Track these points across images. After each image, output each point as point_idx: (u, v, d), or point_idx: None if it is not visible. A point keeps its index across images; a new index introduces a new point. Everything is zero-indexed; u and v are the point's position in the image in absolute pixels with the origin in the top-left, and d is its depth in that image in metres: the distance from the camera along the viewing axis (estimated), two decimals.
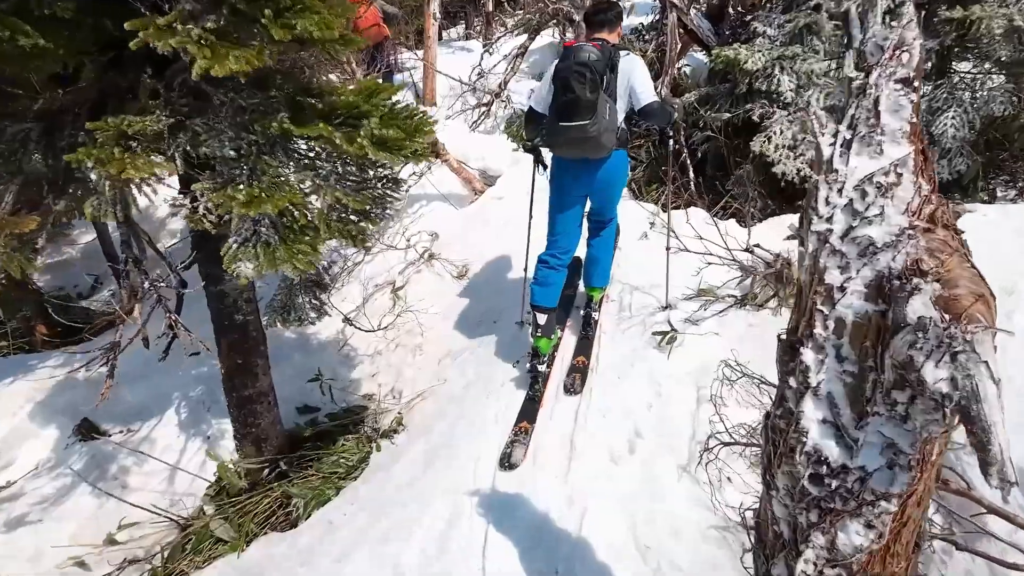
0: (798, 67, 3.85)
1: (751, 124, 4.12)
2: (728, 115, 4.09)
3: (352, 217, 2.20)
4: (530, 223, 3.43)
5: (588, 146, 2.54)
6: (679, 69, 5.30)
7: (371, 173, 2.30)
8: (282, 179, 1.73)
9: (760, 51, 3.89)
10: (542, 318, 2.86)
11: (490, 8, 12.88)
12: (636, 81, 2.60)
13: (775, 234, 3.73)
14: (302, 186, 1.81)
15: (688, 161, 4.64)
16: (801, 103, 3.86)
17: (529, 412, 2.77)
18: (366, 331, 3.95)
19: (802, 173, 3.78)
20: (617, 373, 2.84)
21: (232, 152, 1.69)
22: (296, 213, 1.81)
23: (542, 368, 2.91)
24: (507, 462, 2.50)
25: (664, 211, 4.28)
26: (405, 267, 4.72)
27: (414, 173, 5.20)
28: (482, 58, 7.87)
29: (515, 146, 6.06)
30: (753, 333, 2.91)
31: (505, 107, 7.01)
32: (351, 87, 2.05)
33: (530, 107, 2.82)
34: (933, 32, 3.39)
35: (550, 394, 2.89)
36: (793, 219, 3.83)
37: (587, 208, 3.09)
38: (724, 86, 4.46)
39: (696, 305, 3.18)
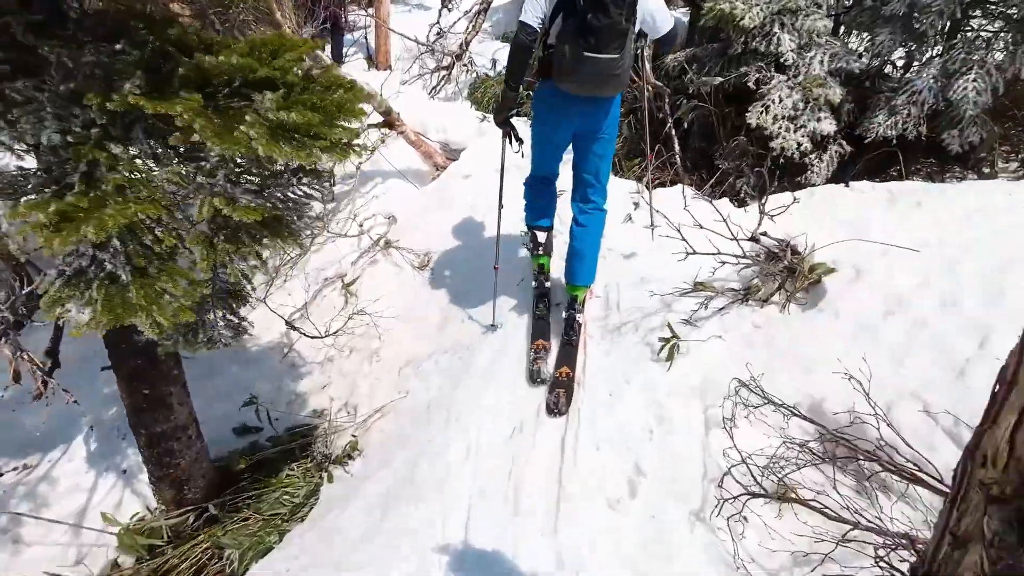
0: (800, 24, 3.39)
1: (745, 90, 3.66)
2: (720, 80, 3.61)
3: (249, 232, 1.60)
4: (500, 212, 2.98)
5: (612, 84, 2.24)
6: None
7: (281, 164, 1.72)
8: (142, 177, 1.17)
9: (758, 5, 3.39)
10: (542, 236, 2.84)
11: None
12: (656, 5, 2.26)
13: (774, 215, 3.34)
14: (174, 187, 1.25)
15: (673, 132, 4.16)
16: (803, 66, 3.42)
17: (543, 329, 2.81)
18: (312, 337, 3.40)
19: (803, 147, 3.37)
20: (609, 389, 2.42)
21: (57, 138, 1.11)
22: (159, 232, 1.25)
23: (548, 284, 2.95)
24: (537, 378, 2.60)
25: (648, 189, 3.84)
26: (358, 257, 4.14)
27: (364, 147, 4.55)
28: (440, 15, 7.09)
29: (480, 115, 5.45)
30: (761, 336, 2.52)
31: (467, 71, 6.33)
32: (242, 44, 1.45)
33: (523, 23, 2.22)
34: None
35: (529, 417, 2.45)
36: (789, 197, 3.44)
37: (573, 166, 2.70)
38: (713, 46, 3.97)
39: (694, 303, 2.77)
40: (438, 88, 6.28)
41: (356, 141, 1.80)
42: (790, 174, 3.63)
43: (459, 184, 4.62)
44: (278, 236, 1.70)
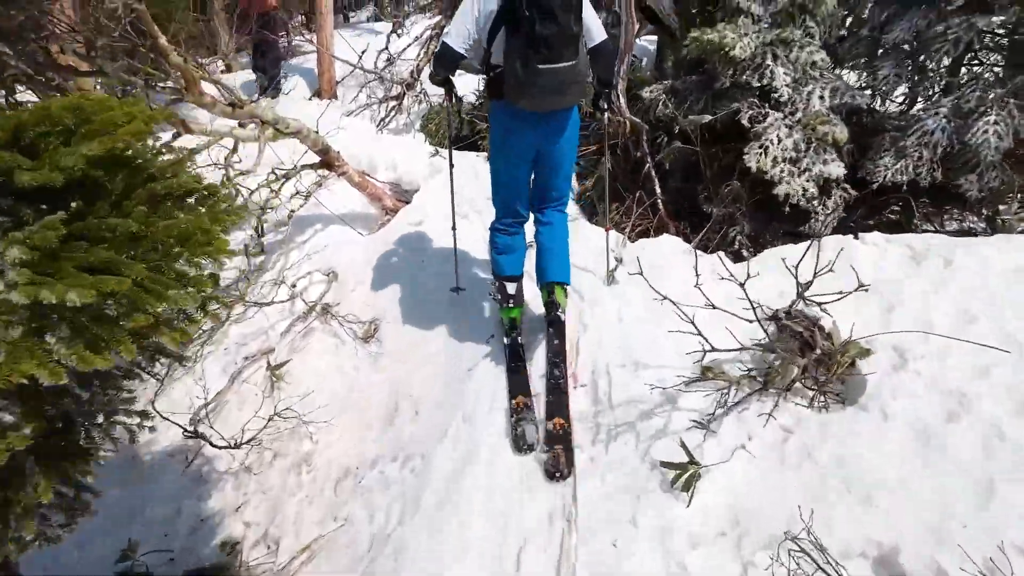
0: (794, 56, 2.99)
1: (733, 127, 3.23)
2: (709, 118, 3.16)
3: None
4: (454, 223, 2.93)
5: (573, 92, 2.14)
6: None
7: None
8: None
9: (748, 35, 2.98)
10: (512, 287, 2.56)
11: None
12: (589, 14, 2.17)
13: (776, 273, 2.88)
14: None
15: (653, 173, 3.69)
16: (800, 101, 3.01)
17: (521, 385, 2.49)
18: (221, 448, 2.65)
19: (809, 193, 2.93)
20: (612, 535, 1.81)
21: None
22: None
23: (521, 340, 2.66)
24: (523, 444, 2.24)
25: (631, 240, 3.33)
26: (290, 325, 3.43)
27: (298, 193, 3.88)
28: (388, 41, 6.54)
29: (434, 149, 4.86)
30: (796, 446, 1.99)
31: (420, 101, 5.76)
32: None
33: (444, 44, 2.16)
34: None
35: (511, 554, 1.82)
36: (797, 251, 2.99)
37: (532, 179, 2.54)
38: (693, 79, 3.54)
39: (704, 398, 2.22)
40: (387, 120, 5.68)
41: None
42: (790, 221, 3.19)
43: (411, 231, 4.00)
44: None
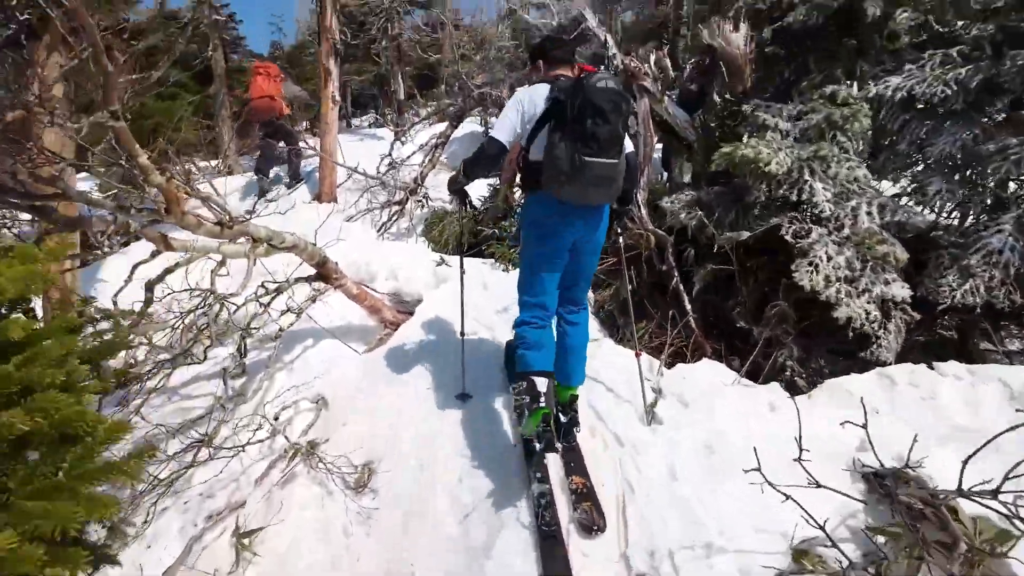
0: (833, 171, 2.80)
1: (768, 240, 2.98)
2: (747, 234, 2.90)
3: None
4: (463, 326, 2.92)
5: (613, 188, 2.23)
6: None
7: None
8: None
9: (783, 150, 2.81)
10: (543, 384, 2.33)
11: (401, 96, 12.04)
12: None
13: (845, 407, 2.46)
14: None
15: (681, 288, 3.38)
16: (845, 217, 2.77)
17: (558, 561, 2.05)
18: None
19: (872, 316, 2.60)
20: None
21: None
22: None
23: (559, 445, 2.43)
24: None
25: (667, 367, 2.93)
26: (265, 471, 2.87)
27: (289, 310, 3.50)
28: (393, 147, 6.57)
29: (438, 258, 4.58)
30: None
31: (422, 206, 5.63)
32: None
33: (493, 139, 2.22)
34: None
35: None
36: (864, 383, 2.58)
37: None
38: (716, 189, 3.35)
39: None
40: (389, 224, 5.50)
41: None
42: (842, 342, 2.83)
43: (412, 349, 3.58)
44: None
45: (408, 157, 6.45)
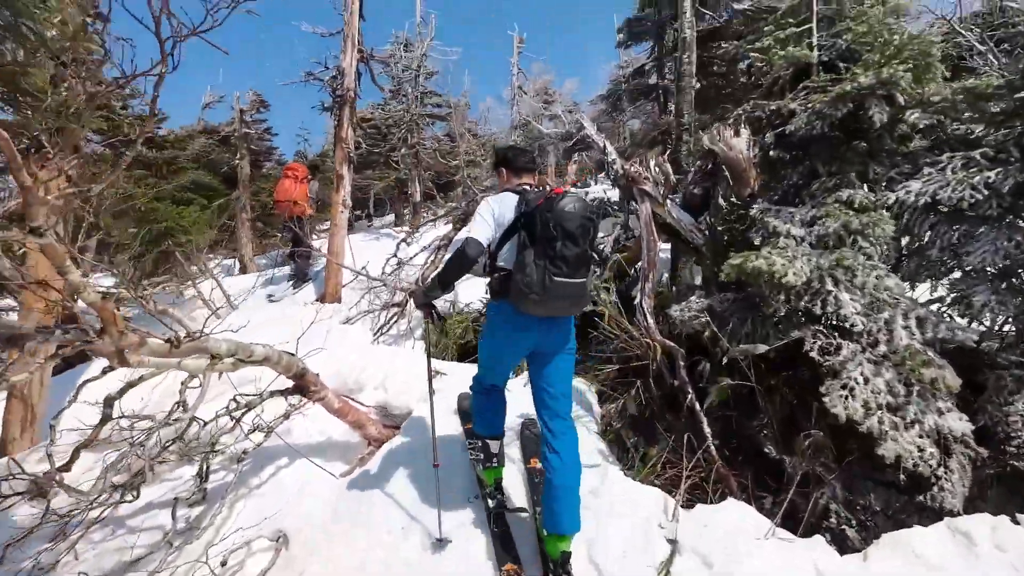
0: (860, 281, 2.50)
1: (788, 351, 2.62)
2: (765, 348, 2.56)
3: None
4: (431, 393, 2.80)
5: (580, 304, 2.27)
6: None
7: None
8: None
9: (800, 258, 2.55)
10: (495, 445, 2.61)
11: (417, 199, 12.51)
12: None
13: (911, 567, 1.94)
14: None
15: (698, 407, 2.98)
16: (880, 332, 2.42)
17: (509, 550, 2.34)
18: None
19: (927, 454, 2.15)
20: None
21: None
22: None
23: (506, 500, 2.58)
24: None
25: (684, 506, 2.45)
26: None
27: (257, 428, 3.17)
28: (398, 247, 6.57)
29: (436, 368, 4.28)
30: None
31: (441, 321, 5.43)
32: None
33: (472, 239, 2.22)
34: None
35: None
36: (932, 540, 2.08)
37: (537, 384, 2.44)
38: (734, 298, 3.06)
39: None
40: (387, 327, 5.28)
41: None
42: (901, 489, 2.34)
43: (395, 472, 3.16)
44: None
45: (413, 257, 6.41)
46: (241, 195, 9.48)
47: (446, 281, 2.39)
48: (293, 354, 3.25)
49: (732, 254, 2.79)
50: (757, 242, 2.98)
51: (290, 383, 3.32)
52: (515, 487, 2.80)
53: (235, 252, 9.91)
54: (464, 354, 4.90)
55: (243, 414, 3.22)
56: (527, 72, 18.66)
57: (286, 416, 3.27)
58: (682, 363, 3.06)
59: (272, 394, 3.29)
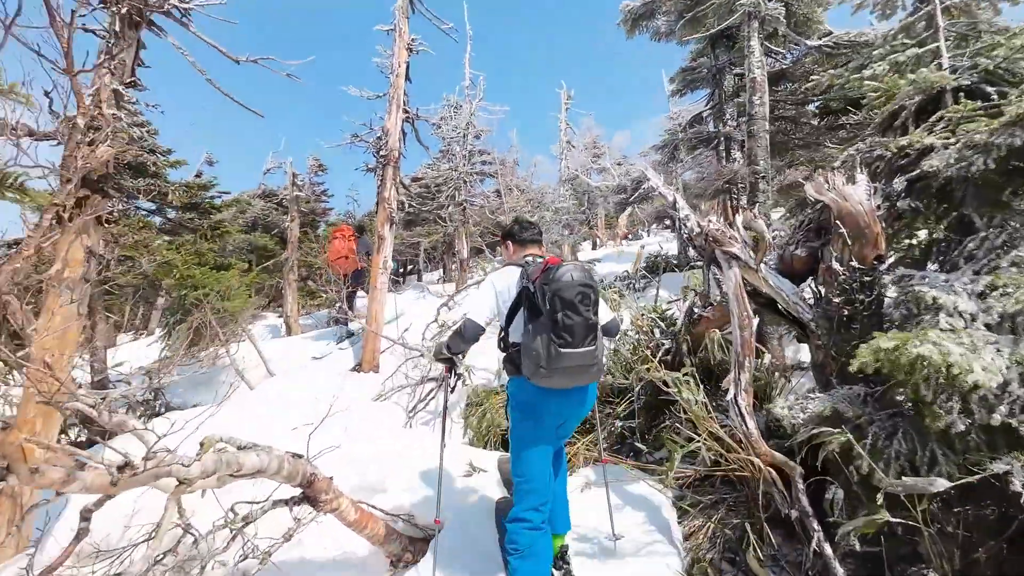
0: None
1: (988, 489, 1.77)
2: (946, 484, 1.74)
3: None
4: (442, 448, 2.83)
5: (592, 372, 2.23)
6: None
7: None
8: None
9: (985, 347, 1.76)
10: None
11: (464, 254, 12.24)
12: (602, 303, 2.42)
13: None
14: None
15: (828, 550, 2.13)
16: None
17: None
18: None
19: None
20: None
21: None
22: None
23: None
24: None
25: None
26: None
27: (246, 556, 2.57)
28: (439, 312, 6.08)
29: (468, 467, 3.60)
30: None
31: (463, 381, 4.83)
32: None
33: (469, 320, 2.30)
34: None
35: None
36: None
37: None
38: (860, 392, 2.26)
39: None
40: (422, 405, 4.68)
41: None
42: None
43: None
44: None
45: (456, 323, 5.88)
46: (290, 256, 9.45)
47: (454, 350, 2.44)
48: (300, 456, 2.69)
49: (856, 332, 2.03)
50: (896, 318, 2.20)
51: (297, 491, 2.75)
52: None
53: (282, 313, 9.81)
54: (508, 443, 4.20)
55: (243, 526, 2.66)
56: (575, 127, 18.63)
57: (287, 538, 2.66)
58: (801, 485, 2.24)
59: (275, 504, 2.71)
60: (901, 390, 1.98)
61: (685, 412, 2.78)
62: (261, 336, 10.48)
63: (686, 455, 2.95)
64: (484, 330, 2.31)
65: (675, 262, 10.54)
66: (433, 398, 4.78)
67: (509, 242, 2.54)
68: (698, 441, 2.30)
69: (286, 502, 2.74)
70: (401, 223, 18.70)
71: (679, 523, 2.95)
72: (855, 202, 2.49)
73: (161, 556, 2.90)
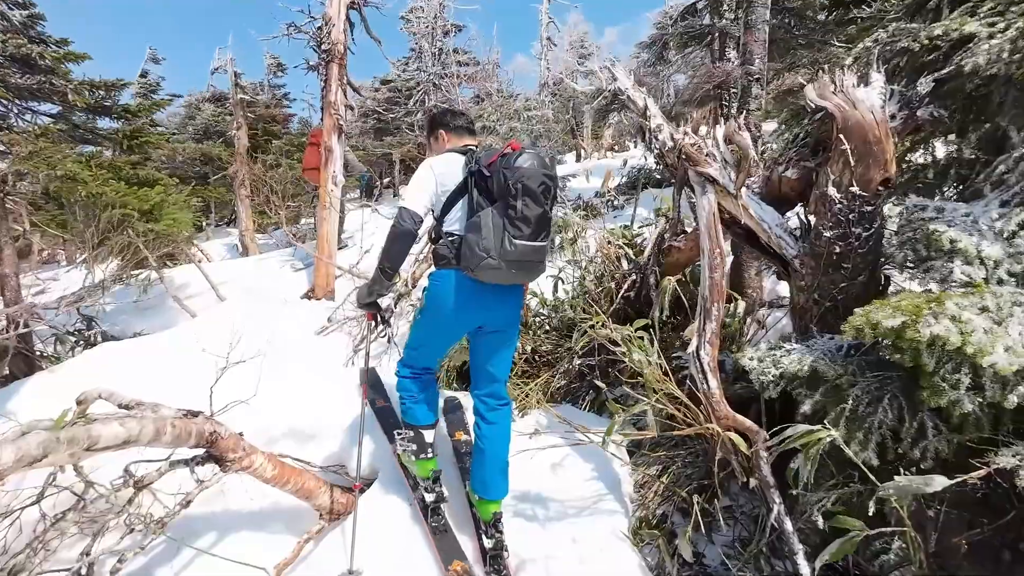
0: None
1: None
2: (945, 483, 1.41)
3: None
4: (364, 405, 2.57)
5: (538, 270, 2.13)
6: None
7: None
8: None
9: (1011, 318, 1.35)
10: (430, 435, 2.43)
11: None
12: None
13: None
14: None
15: (788, 526, 1.89)
16: None
17: (453, 547, 2.24)
18: None
19: None
20: None
21: None
22: None
23: (446, 492, 2.42)
24: None
25: None
26: None
27: (134, 528, 2.27)
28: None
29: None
30: None
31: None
32: None
33: (407, 210, 2.06)
34: None
35: None
36: None
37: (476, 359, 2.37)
38: (843, 345, 1.92)
39: None
40: (376, 335, 4.32)
41: None
42: None
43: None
44: None
45: (424, 250, 5.38)
46: (239, 169, 8.62)
47: (387, 268, 2.18)
48: (197, 414, 2.33)
49: (846, 272, 1.62)
50: (899, 260, 1.78)
51: (200, 450, 2.41)
52: (441, 458, 2.57)
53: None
54: (466, 378, 3.92)
55: (134, 494, 2.35)
56: (559, 23, 16.79)
57: (183, 505, 2.35)
58: (764, 453, 1.94)
59: (173, 465, 2.39)
60: (896, 355, 1.60)
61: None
62: (220, 256, 9.90)
63: (641, 421, 2.65)
64: (421, 222, 2.10)
65: (658, 176, 9.89)
66: (383, 334, 4.41)
67: (442, 131, 2.32)
68: (647, 403, 1.95)
69: (186, 463, 2.42)
70: (372, 132, 17.38)
71: (632, 474, 2.73)
72: (865, 109, 1.96)
73: (60, 516, 2.63)
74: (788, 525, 1.87)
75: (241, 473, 2.52)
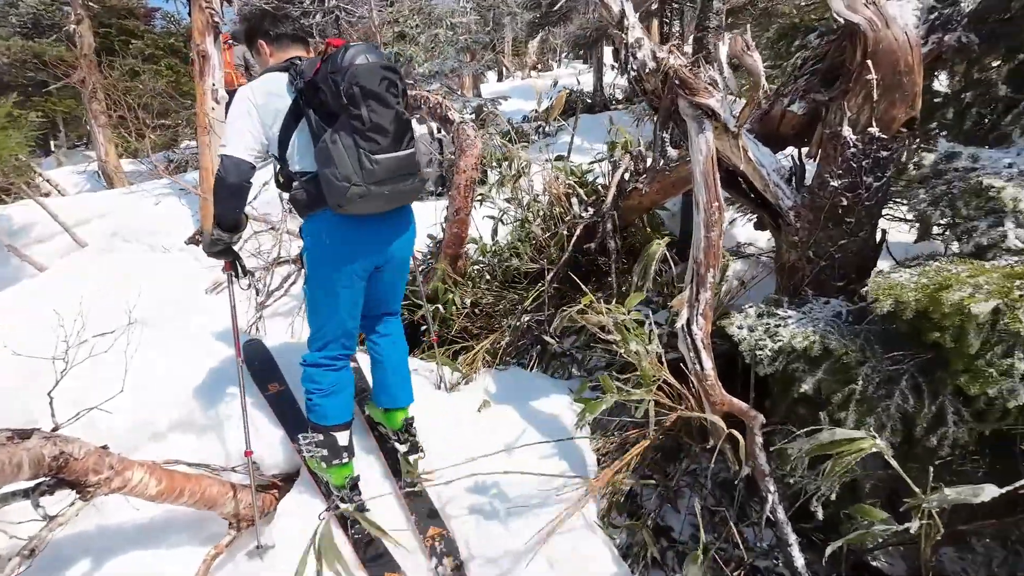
0: None
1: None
2: (997, 492, 1.22)
3: None
4: (240, 364, 2.19)
5: (415, 184, 1.84)
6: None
7: None
8: None
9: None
10: (344, 437, 2.05)
11: None
12: None
13: None
14: None
15: (781, 515, 1.72)
16: None
17: (386, 560, 1.98)
18: None
19: None
20: None
21: None
22: None
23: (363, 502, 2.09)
24: None
25: None
26: None
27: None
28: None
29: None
30: None
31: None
32: None
33: (227, 157, 1.73)
34: None
35: None
36: None
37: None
38: (851, 310, 1.69)
39: None
40: (283, 290, 3.63)
41: None
42: None
43: None
44: None
45: None
46: (87, 78, 6.88)
47: (225, 221, 1.85)
48: (29, 434, 1.69)
49: (848, 228, 1.32)
50: (928, 223, 1.52)
51: (43, 478, 1.80)
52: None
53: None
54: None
55: None
56: None
57: (30, 552, 1.75)
58: (759, 439, 1.72)
59: (6, 500, 1.76)
60: (934, 332, 1.35)
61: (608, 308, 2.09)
62: (76, 188, 8.16)
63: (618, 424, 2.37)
64: (253, 169, 1.75)
65: (589, 101, 9.36)
66: (293, 283, 3.74)
67: (262, 42, 1.90)
68: (644, 399, 1.63)
69: (26, 494, 1.80)
70: None
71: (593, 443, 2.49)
72: (898, 29, 1.60)
73: None
74: (781, 514, 1.70)
75: (113, 495, 1.94)
